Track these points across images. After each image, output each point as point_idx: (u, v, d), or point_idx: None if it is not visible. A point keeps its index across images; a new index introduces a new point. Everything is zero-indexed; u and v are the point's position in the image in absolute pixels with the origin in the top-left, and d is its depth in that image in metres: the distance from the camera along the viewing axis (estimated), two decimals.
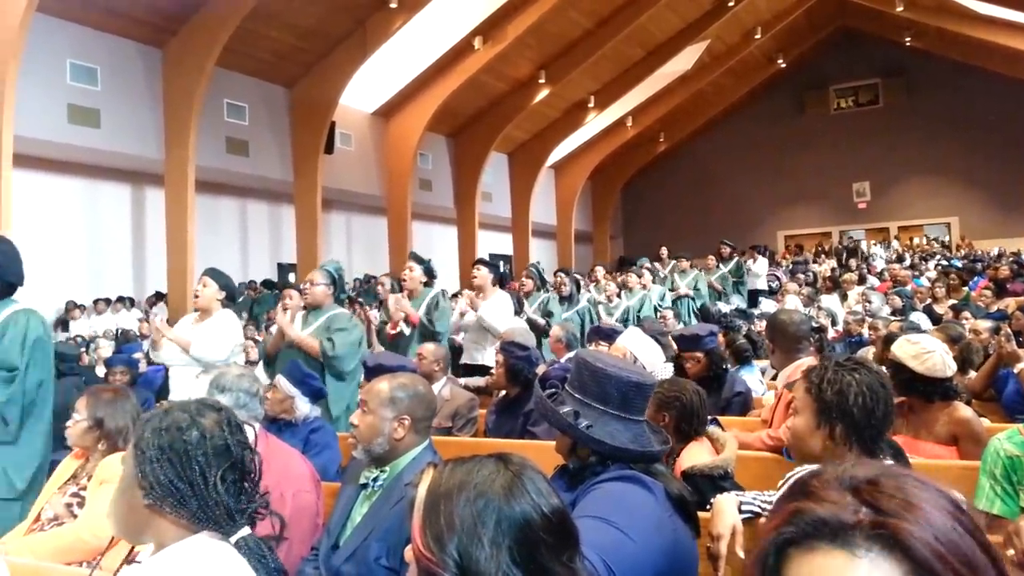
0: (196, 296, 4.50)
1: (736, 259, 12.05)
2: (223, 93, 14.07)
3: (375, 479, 2.11)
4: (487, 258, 7.36)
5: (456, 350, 6.09)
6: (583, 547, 1.54)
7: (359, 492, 2.17)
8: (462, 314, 5.84)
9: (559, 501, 1.21)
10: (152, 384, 6.37)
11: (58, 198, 12.67)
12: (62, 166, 12.56)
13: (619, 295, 8.97)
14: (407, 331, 5.42)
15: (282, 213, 16.24)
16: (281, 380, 3.40)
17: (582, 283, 9.77)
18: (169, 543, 1.43)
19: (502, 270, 6.74)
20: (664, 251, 12.35)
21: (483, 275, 5.90)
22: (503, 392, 4.11)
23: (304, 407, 3.37)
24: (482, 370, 5.65)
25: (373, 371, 3.30)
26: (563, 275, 7.94)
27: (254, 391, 2.76)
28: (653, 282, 9.74)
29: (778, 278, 13.62)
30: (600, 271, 10.41)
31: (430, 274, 5.74)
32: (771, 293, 12.15)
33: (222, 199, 15.27)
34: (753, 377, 5.11)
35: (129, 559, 1.55)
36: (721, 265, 11.68)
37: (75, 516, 2.53)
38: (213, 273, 4.58)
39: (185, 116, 12.57)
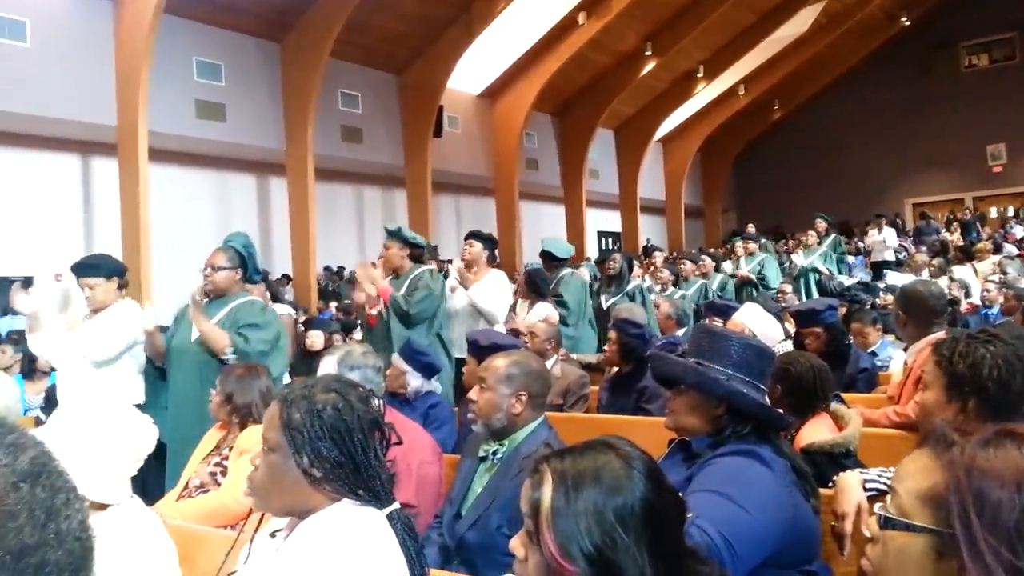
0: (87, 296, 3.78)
1: (833, 236, 10.78)
2: (337, 83, 14.56)
3: (494, 452, 2.19)
4: (599, 235, 6.97)
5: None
6: (701, 521, 1.55)
7: (478, 464, 2.25)
8: (452, 290, 4.98)
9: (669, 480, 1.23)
10: None
11: (190, 190, 13.49)
12: (193, 159, 13.36)
13: (675, 284, 8.37)
14: (370, 290, 4.52)
15: (395, 198, 16.69)
16: (395, 357, 3.55)
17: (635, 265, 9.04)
18: (317, 510, 1.49)
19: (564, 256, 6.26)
20: (751, 228, 11.47)
21: (476, 250, 5.05)
22: (615, 369, 4.12)
23: (415, 382, 3.51)
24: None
25: (487, 349, 3.38)
26: (617, 255, 7.45)
27: (378, 367, 2.89)
28: (716, 270, 8.89)
29: (906, 249, 12.88)
30: (659, 257, 9.78)
31: (414, 247, 4.74)
32: (897, 265, 11.52)
33: (339, 186, 15.84)
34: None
35: (259, 527, 1.63)
36: (821, 242, 10.39)
37: (219, 484, 2.75)
38: (92, 266, 3.82)
39: (303, 107, 13.12)
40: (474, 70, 16.46)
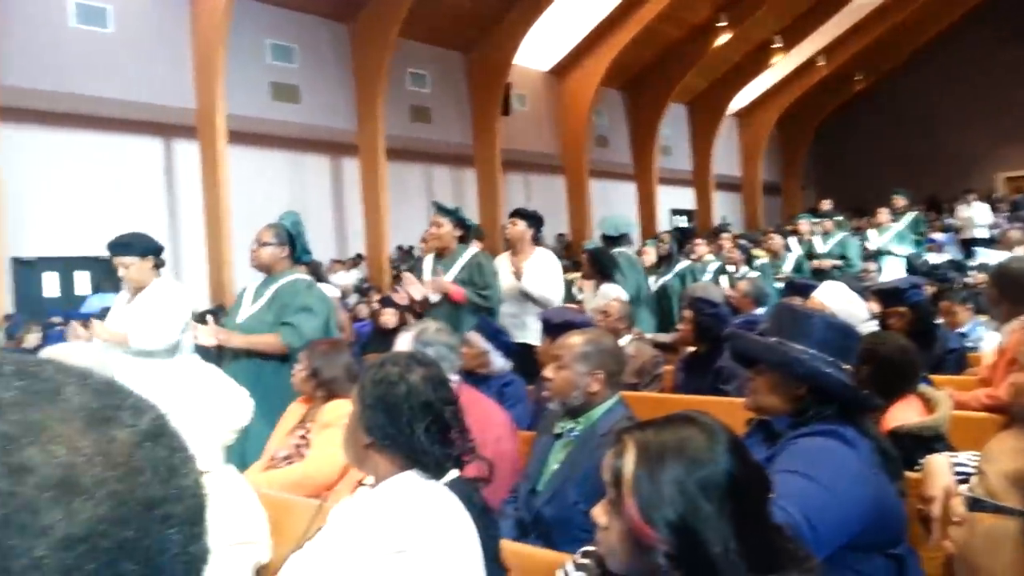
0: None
1: (913, 214, 9.88)
2: (406, 62, 14.67)
3: (570, 430, 2.20)
4: (671, 213, 6.78)
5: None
6: (783, 502, 1.53)
7: (554, 441, 2.26)
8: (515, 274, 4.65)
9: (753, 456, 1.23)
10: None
11: (266, 171, 13.86)
12: (268, 140, 13.70)
13: (747, 263, 7.99)
14: (434, 299, 4.29)
15: (464, 177, 16.78)
16: (473, 336, 3.58)
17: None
18: (386, 476, 1.63)
19: (627, 226, 6.07)
20: (827, 204, 10.50)
21: (520, 229, 4.73)
22: (691, 349, 4.07)
23: (499, 361, 3.55)
24: (525, 350, 4.17)
25: (560, 327, 3.38)
26: (665, 234, 7.04)
27: (452, 345, 2.92)
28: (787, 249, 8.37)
29: (999, 225, 12.25)
30: (727, 238, 9.38)
31: (466, 228, 4.50)
32: (990, 242, 10.97)
33: (409, 166, 16.02)
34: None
35: (356, 489, 1.74)
36: (896, 221, 9.47)
37: (303, 456, 2.84)
38: (127, 245, 3.72)
39: (373, 87, 13.29)
40: (541, 47, 16.33)
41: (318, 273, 5.09)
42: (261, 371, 3.43)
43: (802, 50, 20.14)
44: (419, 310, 4.50)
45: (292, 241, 3.68)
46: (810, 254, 8.57)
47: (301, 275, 3.71)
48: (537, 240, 4.87)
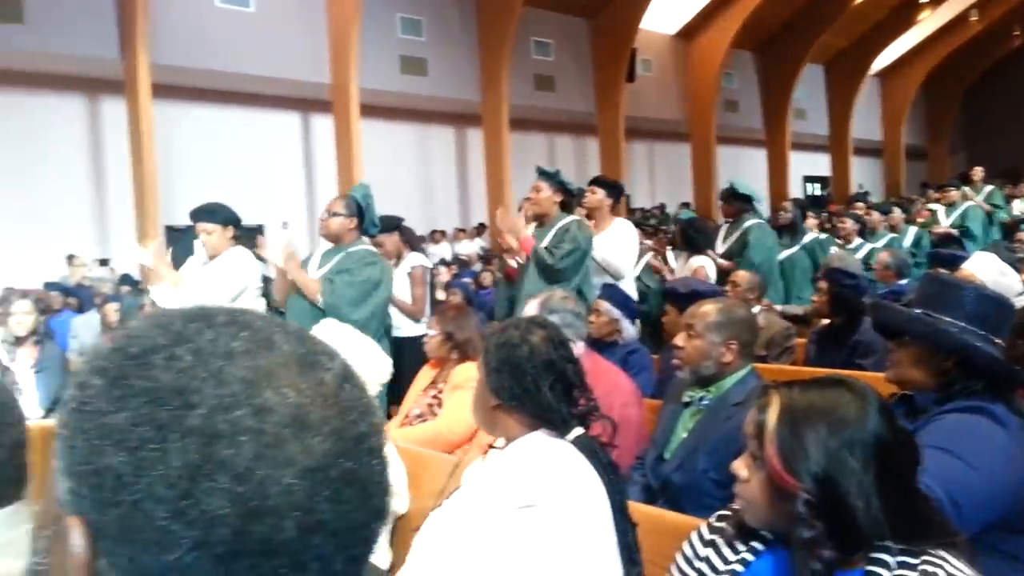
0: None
1: None
2: (530, 31, 14.65)
3: (700, 399, 2.19)
4: (804, 180, 6.24)
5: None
6: (926, 478, 1.48)
7: (682, 409, 2.26)
8: None
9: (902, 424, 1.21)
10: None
11: (394, 143, 14.27)
12: (397, 113, 14.08)
13: (861, 235, 7.22)
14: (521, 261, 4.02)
15: (587, 145, 16.67)
16: (604, 304, 3.61)
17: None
18: (515, 437, 1.69)
19: (747, 192, 5.62)
20: (978, 172, 9.33)
21: (598, 198, 4.48)
22: (826, 321, 3.92)
23: (630, 328, 3.57)
24: None
25: (686, 297, 3.34)
26: (787, 203, 6.49)
27: (578, 312, 2.96)
28: (908, 222, 7.71)
29: None
30: (862, 207, 8.62)
31: (568, 194, 4.22)
32: None
33: (532, 135, 16.06)
34: None
35: (486, 452, 1.81)
36: None
37: (435, 415, 2.98)
38: (212, 212, 3.92)
39: (497, 57, 13.37)
40: (668, 9, 15.88)
41: (411, 240, 5.12)
42: (303, 312, 3.52)
43: (952, 5, 18.59)
44: (508, 264, 4.22)
45: (361, 213, 3.74)
46: (928, 225, 7.98)
47: (367, 247, 3.78)
48: (616, 210, 4.64)
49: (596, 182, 4.62)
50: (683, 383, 2.29)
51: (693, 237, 5.31)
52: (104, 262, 10.40)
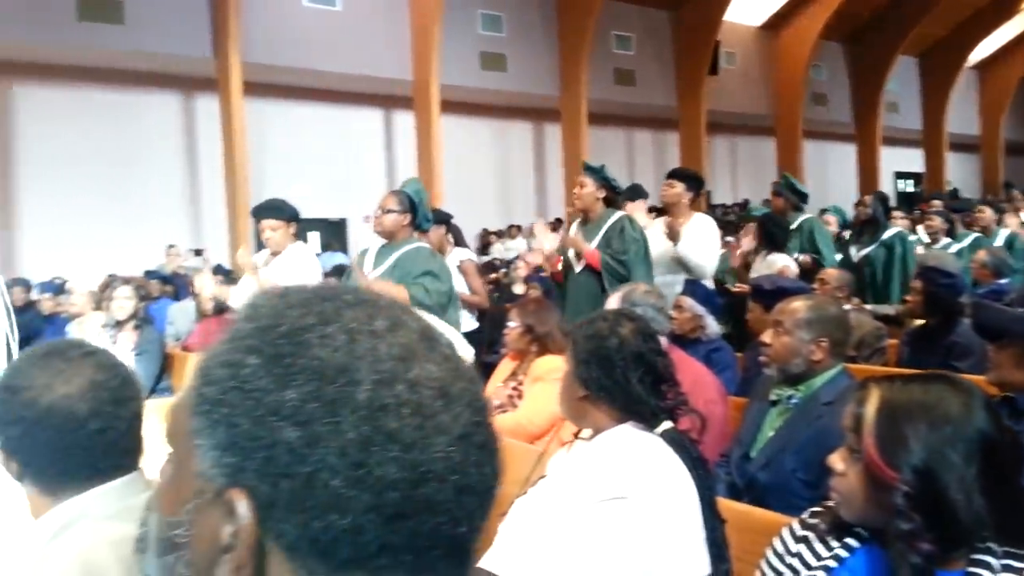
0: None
1: None
2: (610, 25, 14.55)
3: (788, 397, 2.14)
4: (895, 176, 5.89)
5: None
6: None
7: (769, 407, 2.21)
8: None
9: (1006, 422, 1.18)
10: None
11: (473, 139, 14.39)
12: (476, 109, 14.20)
13: (949, 234, 6.87)
14: (578, 268, 3.99)
15: (666, 140, 16.45)
16: (687, 300, 3.57)
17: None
18: (603, 429, 1.69)
19: (804, 190, 5.46)
20: None
21: (677, 191, 4.32)
22: (919, 322, 3.77)
23: (714, 325, 3.52)
24: None
25: (771, 294, 3.27)
26: (867, 197, 5.98)
27: (660, 307, 2.93)
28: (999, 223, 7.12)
29: None
30: (938, 205, 8.04)
31: (612, 190, 4.09)
32: None
33: (610, 130, 15.95)
34: None
35: (571, 443, 1.81)
36: None
37: (515, 406, 3.01)
38: (276, 209, 4.01)
39: (577, 52, 13.33)
40: (754, 1, 15.51)
41: (457, 235, 5.15)
42: None
43: None
44: (550, 271, 4.31)
45: (414, 208, 3.69)
46: None
47: (422, 243, 3.74)
48: (695, 204, 4.50)
49: (675, 175, 4.47)
50: (770, 381, 2.24)
51: (773, 233, 5.11)
52: (198, 252, 10.85)
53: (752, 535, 1.64)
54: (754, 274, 4.66)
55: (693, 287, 3.77)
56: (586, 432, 1.76)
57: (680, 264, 4.20)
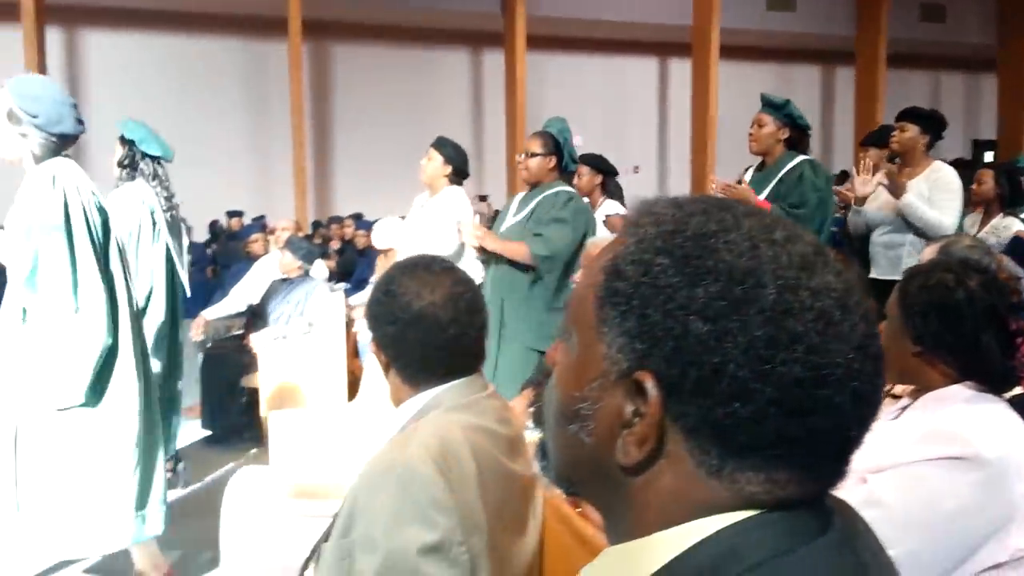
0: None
1: None
2: None
3: None
4: None
5: None
6: None
7: None
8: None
9: None
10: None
11: (753, 86, 13.63)
12: (759, 53, 13.45)
13: None
14: None
15: (981, 84, 14.43)
16: (1005, 259, 3.16)
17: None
18: (933, 387, 1.53)
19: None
20: None
21: (910, 135, 3.74)
22: None
23: None
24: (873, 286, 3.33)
25: None
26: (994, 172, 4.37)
27: (987, 264, 2.64)
28: None
29: None
30: None
31: (796, 127, 3.47)
32: None
33: (913, 73, 14.30)
34: None
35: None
36: None
37: None
38: (439, 144, 3.92)
39: None
40: None
41: (610, 187, 4.82)
42: (515, 280, 3.34)
43: None
44: None
45: (560, 150, 3.46)
46: None
47: (564, 187, 3.49)
48: (932, 150, 3.83)
49: (907, 115, 3.80)
50: None
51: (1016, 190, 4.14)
52: (483, 198, 11.63)
53: None
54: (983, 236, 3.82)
55: (1014, 245, 3.31)
56: (898, 388, 1.65)
57: (906, 222, 3.61)
